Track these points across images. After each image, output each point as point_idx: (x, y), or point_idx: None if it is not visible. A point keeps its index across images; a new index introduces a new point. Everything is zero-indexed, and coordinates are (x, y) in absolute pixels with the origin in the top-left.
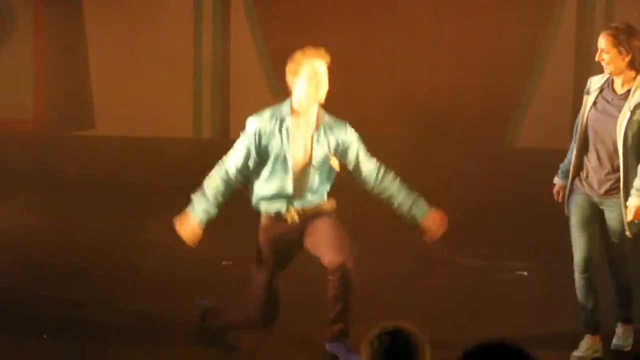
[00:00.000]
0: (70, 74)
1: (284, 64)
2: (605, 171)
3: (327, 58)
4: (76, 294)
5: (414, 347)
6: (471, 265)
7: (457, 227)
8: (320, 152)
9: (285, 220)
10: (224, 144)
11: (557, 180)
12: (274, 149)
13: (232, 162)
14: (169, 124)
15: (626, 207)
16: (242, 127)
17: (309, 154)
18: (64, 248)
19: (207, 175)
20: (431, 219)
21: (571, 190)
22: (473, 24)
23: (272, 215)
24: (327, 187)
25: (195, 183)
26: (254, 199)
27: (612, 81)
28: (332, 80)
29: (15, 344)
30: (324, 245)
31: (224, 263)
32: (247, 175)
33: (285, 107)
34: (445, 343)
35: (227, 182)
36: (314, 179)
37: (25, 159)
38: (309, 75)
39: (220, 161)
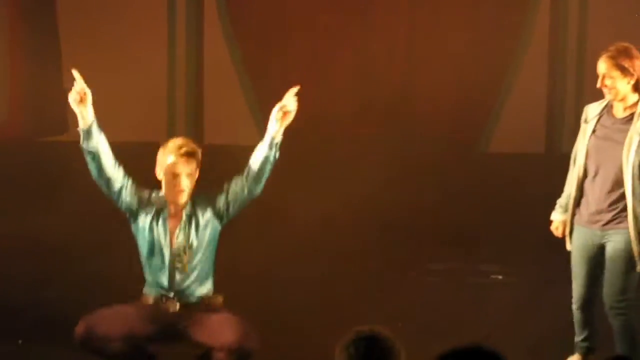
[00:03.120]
0: (44, 79)
1: (257, 67)
2: (609, 201)
3: (197, 154)
4: (48, 301)
5: (390, 352)
6: (445, 269)
7: (430, 231)
8: (190, 236)
9: (167, 308)
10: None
11: (555, 215)
12: (147, 237)
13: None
14: (143, 128)
15: (638, 238)
16: (217, 131)
17: (176, 241)
18: (34, 254)
19: None
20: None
21: (572, 224)
22: (448, 25)
23: (152, 299)
24: (210, 275)
25: None
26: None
27: (611, 107)
28: (305, 79)
29: None
30: (219, 327)
31: None
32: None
33: (160, 195)
34: (420, 348)
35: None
36: (192, 266)
37: None
38: (169, 177)
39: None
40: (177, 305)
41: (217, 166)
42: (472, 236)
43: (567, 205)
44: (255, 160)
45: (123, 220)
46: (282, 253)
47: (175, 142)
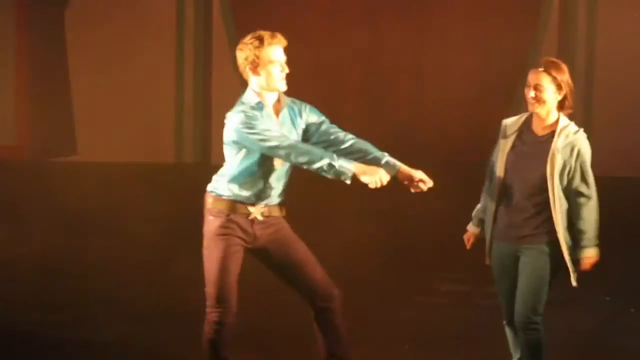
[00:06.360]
0: (52, 101)
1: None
2: (525, 215)
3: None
4: (64, 321)
5: None
6: (453, 292)
7: (437, 253)
8: (290, 136)
9: (247, 215)
10: (206, 168)
11: (470, 227)
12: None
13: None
14: (151, 149)
15: (555, 251)
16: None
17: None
18: (47, 275)
19: (188, 200)
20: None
21: (492, 239)
22: (457, 50)
23: (236, 204)
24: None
25: (178, 207)
26: (223, 182)
27: (531, 123)
28: (311, 98)
29: None
30: (316, 273)
31: None
32: None
33: (253, 96)
34: None
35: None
36: (284, 172)
37: (6, 185)
38: (275, 66)
39: (280, 142)
40: (260, 213)
41: None
42: (479, 258)
43: (482, 218)
44: (362, 149)
45: (135, 239)
46: None
47: (270, 34)
